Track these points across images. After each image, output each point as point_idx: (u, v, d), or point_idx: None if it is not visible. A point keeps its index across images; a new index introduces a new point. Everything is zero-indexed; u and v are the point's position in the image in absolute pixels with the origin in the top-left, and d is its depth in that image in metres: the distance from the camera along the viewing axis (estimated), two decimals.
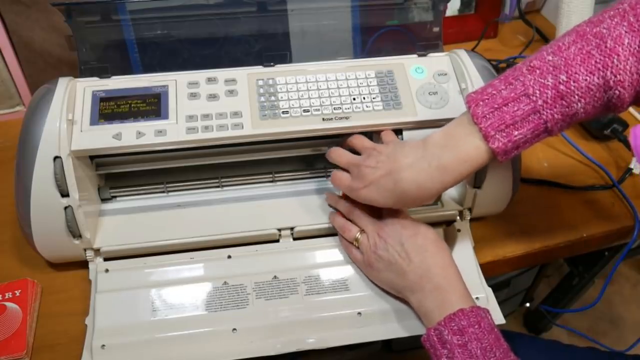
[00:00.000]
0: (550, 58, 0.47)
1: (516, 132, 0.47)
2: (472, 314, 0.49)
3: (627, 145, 0.78)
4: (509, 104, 0.47)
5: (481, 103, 0.49)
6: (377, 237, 0.56)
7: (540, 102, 0.46)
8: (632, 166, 0.76)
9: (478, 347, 0.47)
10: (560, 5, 0.87)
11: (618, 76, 0.44)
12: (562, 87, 0.45)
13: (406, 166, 0.52)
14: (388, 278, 0.56)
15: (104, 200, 0.66)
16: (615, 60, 0.44)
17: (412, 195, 0.52)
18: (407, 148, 0.53)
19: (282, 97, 0.60)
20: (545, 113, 0.46)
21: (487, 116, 0.48)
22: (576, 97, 0.45)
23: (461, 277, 0.54)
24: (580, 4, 0.85)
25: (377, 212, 0.59)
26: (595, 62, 0.45)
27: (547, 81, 0.46)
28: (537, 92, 0.46)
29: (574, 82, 0.45)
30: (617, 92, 0.45)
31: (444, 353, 0.48)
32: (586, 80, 0.45)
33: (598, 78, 0.45)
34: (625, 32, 0.44)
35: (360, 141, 0.60)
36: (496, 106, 0.48)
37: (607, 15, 0.46)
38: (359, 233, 0.59)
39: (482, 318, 0.49)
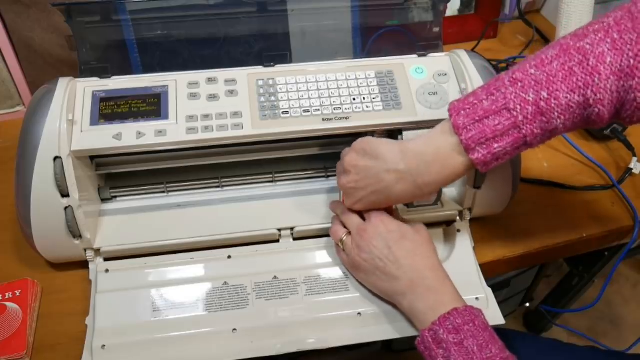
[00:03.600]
0: (532, 72, 0.47)
1: (496, 145, 0.48)
2: (466, 312, 0.50)
3: (627, 145, 0.78)
4: (490, 117, 0.48)
5: (462, 112, 0.49)
6: (360, 239, 0.56)
7: (520, 117, 0.47)
8: (632, 166, 0.76)
9: (474, 344, 0.48)
10: (560, 5, 0.87)
11: (598, 95, 0.44)
12: (542, 103, 0.46)
13: (391, 185, 0.53)
14: (376, 282, 0.56)
15: (104, 200, 0.66)
16: (596, 79, 0.44)
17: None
18: (386, 165, 0.53)
19: (282, 97, 0.60)
20: (525, 128, 0.47)
21: (468, 128, 0.48)
22: (556, 114, 0.46)
23: (450, 278, 0.54)
24: (580, 4, 0.85)
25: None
26: (577, 80, 0.45)
27: (529, 96, 0.46)
28: (518, 107, 0.46)
29: (554, 99, 0.45)
30: (596, 109, 0.45)
31: (440, 353, 0.48)
32: (567, 98, 0.45)
33: (579, 96, 0.45)
34: (608, 49, 0.44)
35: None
36: (477, 118, 0.48)
37: (591, 30, 0.46)
38: (344, 235, 0.58)
39: (476, 316, 0.50)
